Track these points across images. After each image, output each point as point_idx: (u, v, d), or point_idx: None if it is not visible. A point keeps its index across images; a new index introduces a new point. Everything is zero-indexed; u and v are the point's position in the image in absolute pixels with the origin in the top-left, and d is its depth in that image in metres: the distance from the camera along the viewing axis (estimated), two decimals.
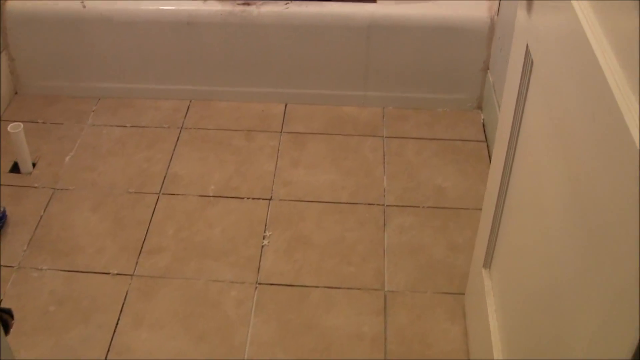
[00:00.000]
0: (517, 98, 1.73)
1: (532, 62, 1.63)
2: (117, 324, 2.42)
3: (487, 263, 2.10)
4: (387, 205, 2.77)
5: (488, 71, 3.06)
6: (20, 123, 2.87)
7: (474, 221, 2.67)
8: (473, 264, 2.25)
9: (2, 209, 2.73)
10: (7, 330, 2.44)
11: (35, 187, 2.90)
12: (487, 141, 3.02)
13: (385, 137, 3.06)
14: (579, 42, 1.26)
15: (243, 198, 2.82)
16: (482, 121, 3.12)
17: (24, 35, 3.20)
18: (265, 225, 2.71)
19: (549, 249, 1.47)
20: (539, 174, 1.56)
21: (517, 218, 1.78)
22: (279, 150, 3.02)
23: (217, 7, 3.06)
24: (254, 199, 2.82)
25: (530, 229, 1.64)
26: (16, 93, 3.36)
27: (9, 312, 2.47)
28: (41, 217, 2.78)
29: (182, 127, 3.15)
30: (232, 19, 3.06)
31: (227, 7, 3.06)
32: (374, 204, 2.77)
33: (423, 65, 3.09)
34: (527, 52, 1.65)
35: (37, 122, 3.21)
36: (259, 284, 2.52)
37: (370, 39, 3.04)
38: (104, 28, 3.14)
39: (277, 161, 2.96)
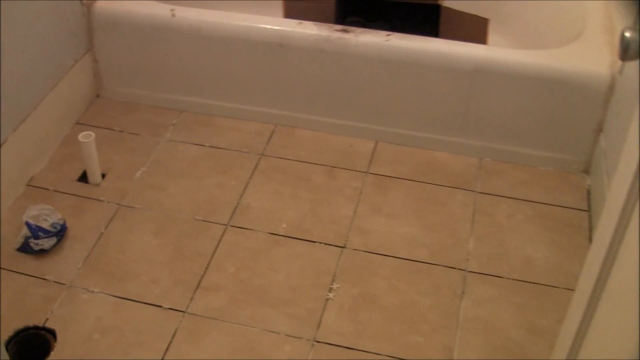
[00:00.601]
0: (622, 213, 1.48)
1: None
2: None
3: None
4: (468, 271, 2.53)
5: (601, 134, 2.79)
6: (91, 132, 2.73)
7: (562, 303, 2.41)
8: (554, 356, 2.00)
9: (62, 221, 2.59)
10: (47, 352, 2.31)
11: (100, 200, 2.76)
12: (590, 211, 2.75)
13: (478, 192, 2.82)
14: None
15: (314, 242, 2.62)
16: (587, 187, 2.85)
17: (110, 38, 3.07)
18: (334, 277, 2.51)
19: None
20: None
21: (616, 314, 1.52)
22: (361, 193, 2.81)
23: (312, 31, 2.87)
24: (325, 244, 2.61)
25: (631, 329, 1.38)
26: (98, 96, 3.23)
27: (52, 333, 2.36)
28: (101, 234, 2.63)
29: (261, 154, 2.96)
30: (328, 46, 2.86)
31: (324, 32, 2.86)
32: (454, 268, 2.54)
33: (529, 117, 2.84)
34: None
35: (114, 130, 3.07)
36: (317, 341, 2.32)
37: (475, 83, 2.81)
38: (192, 39, 2.99)
39: (357, 205, 2.76)
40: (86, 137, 2.71)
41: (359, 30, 2.87)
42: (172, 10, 2.96)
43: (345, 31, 2.87)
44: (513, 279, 2.52)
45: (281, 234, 2.65)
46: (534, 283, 2.51)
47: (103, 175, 2.85)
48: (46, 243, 2.53)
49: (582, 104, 2.76)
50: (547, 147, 2.89)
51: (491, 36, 3.17)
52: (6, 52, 2.59)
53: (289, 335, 2.33)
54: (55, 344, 2.31)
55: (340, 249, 2.60)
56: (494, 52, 2.79)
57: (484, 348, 2.31)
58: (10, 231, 2.63)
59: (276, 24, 2.92)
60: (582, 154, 2.87)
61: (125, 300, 2.42)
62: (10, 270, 2.51)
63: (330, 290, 2.46)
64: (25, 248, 2.54)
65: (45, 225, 2.52)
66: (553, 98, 2.78)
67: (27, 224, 2.51)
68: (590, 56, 2.76)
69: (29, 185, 2.81)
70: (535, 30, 3.25)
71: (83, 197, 2.77)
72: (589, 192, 2.83)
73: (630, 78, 2.50)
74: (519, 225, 2.70)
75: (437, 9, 3.34)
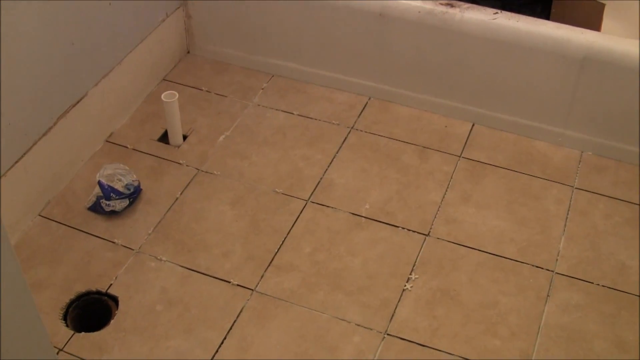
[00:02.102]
0: None
1: None
2: (220, 344, 2.14)
3: None
4: (556, 273, 2.36)
5: None
6: (175, 92, 2.63)
7: None
8: None
9: (137, 183, 2.50)
10: (107, 319, 2.23)
11: (179, 163, 2.66)
12: None
13: (575, 188, 2.63)
14: None
15: (397, 227, 2.48)
16: None
17: None
18: (413, 266, 2.36)
19: None
20: None
21: None
22: (451, 178, 2.65)
23: (416, 3, 2.71)
24: (408, 230, 2.47)
25: None
26: (188, 53, 3.13)
27: (115, 300, 2.28)
28: (176, 199, 2.54)
29: (352, 127, 2.82)
30: (430, 19, 2.70)
31: (428, 5, 2.70)
32: (541, 268, 2.37)
33: (637, 113, 2.63)
34: None
35: (201, 90, 2.97)
36: (388, 334, 2.19)
37: (583, 72, 2.61)
38: (290, 3, 2.85)
39: (446, 191, 2.60)
40: (169, 96, 2.61)
41: (466, 5, 2.70)
42: None
43: (451, 5, 2.70)
44: (603, 286, 2.34)
45: (363, 215, 2.51)
46: (626, 292, 2.33)
47: (185, 137, 2.75)
48: (118, 205, 2.44)
49: None
50: None
51: (605, 22, 2.96)
52: (93, 3, 2.49)
53: (359, 325, 2.21)
54: (116, 312, 2.23)
55: (424, 236, 2.45)
56: (606, 40, 2.58)
57: (564, 359, 2.15)
58: (84, 188, 2.55)
59: None
60: None
61: (194, 273, 2.33)
62: (79, 229, 2.44)
63: (408, 280, 2.33)
64: (96, 208, 2.46)
65: (118, 186, 2.44)
66: None
67: (100, 184, 2.43)
68: None
69: (107, 141, 2.73)
70: None
71: (162, 158, 2.68)
72: None
73: None
74: (615, 228, 2.51)
75: None
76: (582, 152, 2.78)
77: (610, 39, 2.59)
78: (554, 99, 2.71)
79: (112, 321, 2.21)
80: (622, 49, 2.55)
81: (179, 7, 2.98)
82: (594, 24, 2.81)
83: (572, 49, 2.59)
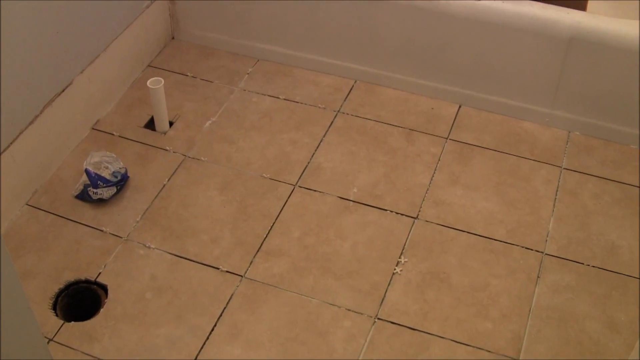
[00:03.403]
0: None
1: None
2: (211, 331, 2.14)
3: None
4: (546, 254, 2.36)
5: None
6: (160, 78, 2.61)
7: None
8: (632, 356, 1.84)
9: (124, 170, 2.49)
10: (97, 308, 2.22)
11: (166, 149, 2.65)
12: None
13: (564, 168, 2.63)
14: None
15: (386, 210, 2.48)
16: None
17: None
18: (403, 249, 2.36)
19: None
20: None
21: None
22: (439, 160, 2.64)
23: None
24: (397, 213, 2.47)
25: None
26: (173, 38, 3.11)
27: (104, 288, 2.27)
28: (164, 186, 2.52)
29: (338, 111, 2.82)
30: (417, 1, 2.68)
31: None
32: (531, 249, 2.38)
33: (624, 93, 2.63)
34: None
35: (187, 75, 2.95)
36: (378, 318, 2.18)
37: (570, 52, 2.61)
38: None
39: (434, 173, 2.60)
40: (155, 83, 2.60)
41: None
42: None
43: None
44: (593, 267, 2.34)
45: (351, 199, 2.51)
46: (616, 273, 2.33)
47: (171, 123, 2.74)
48: (105, 192, 2.43)
49: None
50: None
51: (591, 2, 2.95)
52: None
53: (349, 310, 2.20)
54: (106, 300, 2.22)
55: (413, 219, 2.45)
56: (592, 19, 2.57)
57: (555, 340, 2.15)
58: (71, 176, 2.54)
59: None
60: None
61: (182, 259, 2.32)
62: (67, 218, 2.42)
63: (397, 264, 2.33)
64: (83, 196, 2.45)
65: (105, 173, 2.42)
66: None
67: (87, 172, 2.42)
68: None
69: (94, 128, 2.72)
70: None
71: (148, 145, 2.67)
72: None
73: None
74: (604, 208, 2.51)
75: None
76: (569, 132, 2.78)
77: (596, 19, 2.58)
78: (541, 79, 2.71)
79: (101, 310, 2.20)
80: (608, 29, 2.55)
81: None
82: (580, 4, 2.80)
83: (558, 30, 2.58)
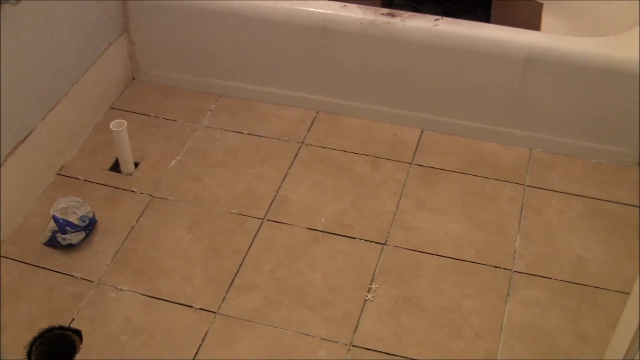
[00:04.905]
0: None
1: None
2: None
3: None
4: (514, 271, 2.39)
5: None
6: (124, 121, 2.62)
7: (614, 308, 2.27)
8: None
9: (91, 214, 2.49)
10: (73, 354, 2.22)
11: (133, 191, 2.65)
12: None
13: (527, 185, 2.67)
14: None
15: (354, 238, 2.49)
16: None
17: (146, 19, 2.96)
18: (373, 276, 2.38)
19: None
20: None
21: None
22: (405, 185, 2.67)
23: (357, 15, 2.73)
24: (366, 241, 2.49)
25: None
26: (134, 79, 3.13)
27: (78, 334, 2.26)
28: (132, 227, 2.52)
29: (302, 142, 2.84)
30: (373, 30, 2.72)
31: (369, 16, 2.72)
32: (500, 268, 2.40)
33: (582, 108, 2.68)
34: None
35: (150, 115, 2.96)
36: (353, 345, 2.19)
37: (526, 72, 2.65)
38: (232, 22, 2.86)
39: (400, 199, 2.62)
40: (118, 125, 2.61)
41: (406, 14, 2.72)
42: None
43: (392, 15, 2.72)
44: (562, 281, 2.37)
45: (320, 229, 2.52)
46: (584, 285, 2.36)
47: (136, 165, 2.74)
48: (74, 238, 2.43)
49: (637, 93, 2.59)
50: (601, 139, 2.73)
51: (545, 19, 3.00)
52: (35, 36, 2.48)
53: (324, 339, 2.21)
54: (81, 345, 2.22)
55: (382, 246, 2.47)
56: (547, 39, 2.62)
57: (528, 355, 2.18)
58: (39, 224, 2.53)
59: (319, 7, 2.77)
60: (636, 146, 2.70)
61: (156, 300, 2.32)
62: (37, 265, 2.42)
63: (369, 290, 2.34)
64: (52, 242, 2.44)
65: (73, 218, 2.43)
66: (607, 87, 2.61)
67: (55, 218, 2.42)
68: None
69: (59, 174, 2.71)
70: (592, 15, 3.07)
71: (115, 187, 2.67)
72: None
73: None
74: (569, 223, 2.55)
75: None
76: (531, 150, 2.81)
77: (550, 38, 2.63)
78: (501, 99, 2.75)
79: (76, 356, 2.19)
80: (563, 47, 2.60)
81: (121, 35, 2.97)
82: (534, 23, 2.85)
83: (514, 50, 2.63)
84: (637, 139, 2.68)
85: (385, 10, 2.74)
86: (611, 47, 2.59)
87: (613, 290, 2.34)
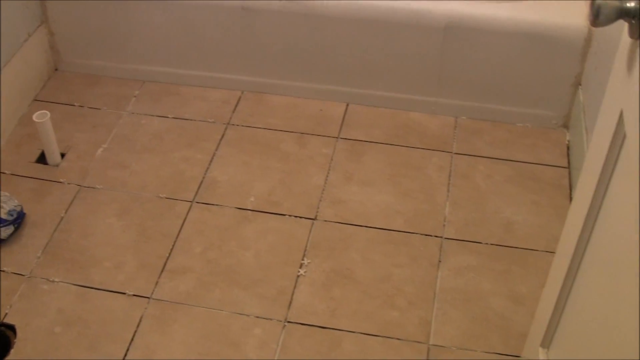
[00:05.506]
0: (600, 178, 1.36)
1: (624, 135, 1.26)
2: (124, 357, 2.14)
3: (547, 340, 1.74)
4: (445, 238, 2.42)
5: (579, 87, 2.67)
6: (46, 112, 2.60)
7: (543, 268, 2.31)
8: (529, 340, 1.90)
9: (19, 208, 2.47)
10: (7, 349, 2.20)
11: (60, 182, 2.64)
12: (569, 167, 2.64)
13: (454, 153, 2.70)
14: None
15: (284, 215, 2.51)
16: (567, 143, 2.73)
17: (65, 8, 2.93)
18: (305, 251, 2.40)
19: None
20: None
21: (600, 276, 1.40)
22: (332, 160, 2.69)
23: None
24: (296, 217, 2.50)
25: (616, 292, 1.27)
26: (56, 70, 3.10)
27: (12, 329, 2.24)
28: (62, 218, 2.51)
29: (228, 123, 2.84)
30: (293, 7, 2.73)
31: None
32: (430, 236, 2.43)
33: (505, 73, 2.71)
34: (620, 122, 1.28)
35: (74, 105, 2.94)
36: (288, 322, 2.21)
37: (447, 40, 2.67)
38: (151, 6, 2.85)
39: (328, 173, 2.64)
40: (41, 116, 2.59)
41: None
42: None
43: None
44: (492, 244, 2.41)
45: (249, 208, 2.53)
46: (514, 248, 2.40)
47: (63, 155, 2.72)
48: (3, 232, 2.41)
49: (559, 57, 2.64)
50: (525, 103, 2.77)
51: None
52: None
53: (259, 317, 2.23)
54: (15, 340, 2.20)
55: (312, 221, 2.49)
56: (466, 6, 2.65)
57: (462, 320, 2.21)
58: None
59: None
60: (560, 109, 2.75)
61: (88, 289, 2.32)
62: None
63: (301, 266, 2.36)
64: None
65: (1, 213, 2.41)
66: (529, 52, 2.65)
67: None
68: (566, 8, 2.63)
69: None
70: None
71: (42, 179, 2.65)
72: (568, 148, 2.72)
73: (606, 30, 2.37)
74: (497, 187, 2.58)
75: None
76: (457, 117, 2.85)
77: (469, 5, 2.65)
78: (424, 69, 2.77)
79: (11, 350, 2.18)
80: (482, 13, 2.63)
81: (40, 25, 2.94)
82: None
83: (433, 19, 2.65)
84: (562, 101, 2.72)
85: None
86: (530, 12, 2.63)
87: (543, 251, 2.38)
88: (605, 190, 1.37)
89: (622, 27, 1.26)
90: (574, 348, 1.51)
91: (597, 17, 1.22)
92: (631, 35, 1.23)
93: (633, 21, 1.21)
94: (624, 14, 1.20)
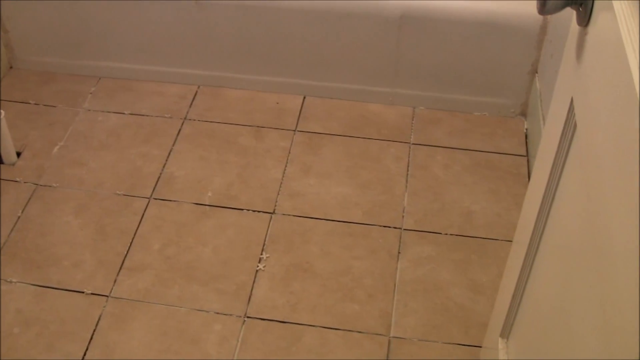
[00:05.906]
0: (553, 167, 1.36)
1: (575, 124, 1.26)
2: (84, 356, 2.13)
3: (506, 331, 1.75)
4: (404, 229, 2.42)
5: (536, 75, 2.68)
6: (1, 110, 2.57)
7: (503, 257, 2.33)
8: (489, 330, 1.91)
9: None
10: None
11: (16, 181, 2.61)
12: (527, 155, 2.65)
13: (412, 143, 2.70)
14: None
15: (242, 210, 2.50)
16: (524, 131, 2.74)
17: (18, 5, 2.89)
18: (264, 246, 2.39)
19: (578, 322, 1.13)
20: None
21: (556, 264, 1.40)
22: (289, 153, 2.68)
23: None
24: (254, 211, 2.49)
25: (571, 279, 1.27)
26: (11, 67, 3.07)
27: None
28: (18, 218, 2.49)
29: (185, 118, 2.82)
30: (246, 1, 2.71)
31: None
32: (389, 227, 2.43)
33: (461, 63, 2.72)
34: (571, 110, 1.28)
35: (29, 103, 2.91)
36: (248, 317, 2.21)
37: (403, 30, 2.67)
38: (106, 2, 2.82)
39: (285, 167, 2.63)
40: None
41: None
42: None
43: None
44: (451, 235, 2.42)
45: (207, 203, 2.52)
46: (473, 237, 2.41)
47: (18, 154, 2.70)
48: None
49: (515, 46, 2.65)
50: (482, 92, 2.78)
51: None
52: None
53: (218, 313, 2.22)
54: None
55: (270, 215, 2.48)
56: None
57: (423, 311, 2.21)
58: None
59: None
60: (518, 97, 2.76)
61: (47, 289, 2.30)
62: None
63: (260, 260, 2.35)
64: None
65: None
66: (485, 42, 2.66)
67: None
68: None
69: None
70: None
71: None
72: (526, 136, 2.73)
73: (561, 18, 2.38)
74: (456, 177, 2.59)
75: None
76: (414, 108, 2.85)
77: None
78: (380, 60, 2.77)
79: None
80: (438, 2, 2.63)
81: None
82: None
83: (388, 9, 2.65)
84: (519, 89, 2.73)
85: None
86: (483, 0, 2.63)
87: (502, 240, 2.39)
88: (559, 179, 1.37)
89: (574, 15, 1.26)
90: (532, 338, 1.51)
91: (544, 5, 1.22)
92: (579, 22, 1.23)
93: (580, 9, 1.21)
94: (571, 1, 1.20)
